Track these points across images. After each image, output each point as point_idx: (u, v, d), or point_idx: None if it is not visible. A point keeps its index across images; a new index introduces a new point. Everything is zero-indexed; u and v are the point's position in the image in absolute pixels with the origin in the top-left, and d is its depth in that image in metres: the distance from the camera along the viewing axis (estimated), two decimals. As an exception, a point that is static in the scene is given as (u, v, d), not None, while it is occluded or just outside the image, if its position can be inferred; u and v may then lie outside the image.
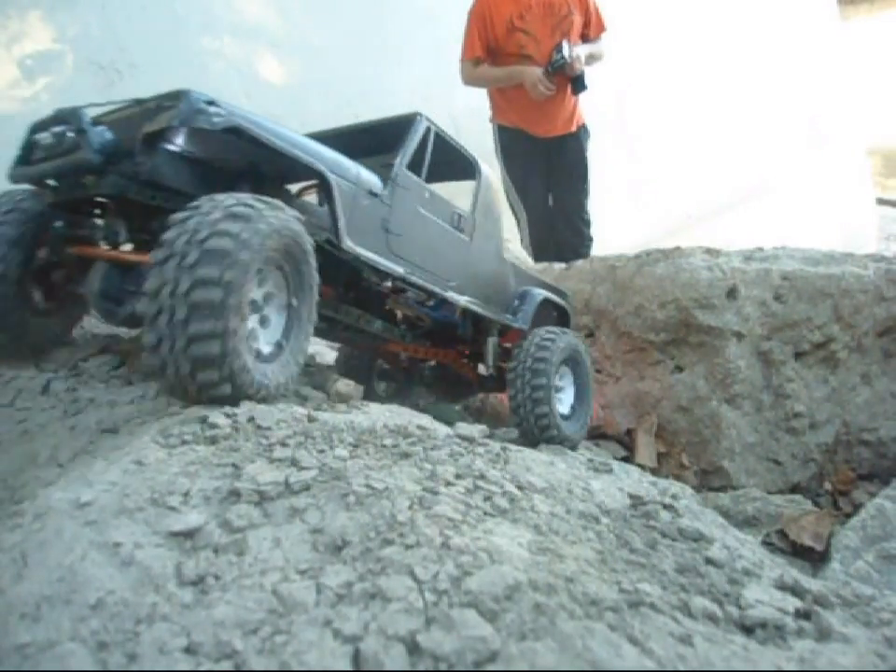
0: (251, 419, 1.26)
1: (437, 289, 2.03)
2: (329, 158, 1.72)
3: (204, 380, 1.23)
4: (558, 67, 3.45)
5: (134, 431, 1.23)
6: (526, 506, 1.13)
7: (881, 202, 10.82)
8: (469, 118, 4.25)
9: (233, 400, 1.29)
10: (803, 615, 0.92)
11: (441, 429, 1.59)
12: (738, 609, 0.91)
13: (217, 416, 1.23)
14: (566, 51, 3.42)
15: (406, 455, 1.25)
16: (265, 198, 1.38)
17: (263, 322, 1.44)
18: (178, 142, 1.57)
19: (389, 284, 1.96)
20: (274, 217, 1.34)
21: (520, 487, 1.23)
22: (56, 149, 1.58)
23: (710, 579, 0.99)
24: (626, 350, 3.04)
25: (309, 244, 1.46)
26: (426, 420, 1.66)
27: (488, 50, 3.66)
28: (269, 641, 0.71)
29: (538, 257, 3.92)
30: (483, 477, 1.20)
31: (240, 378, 1.28)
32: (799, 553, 1.99)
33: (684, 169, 6.76)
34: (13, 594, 0.76)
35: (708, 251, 3.05)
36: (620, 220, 5.47)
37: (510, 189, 3.94)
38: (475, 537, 0.92)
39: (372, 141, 2.09)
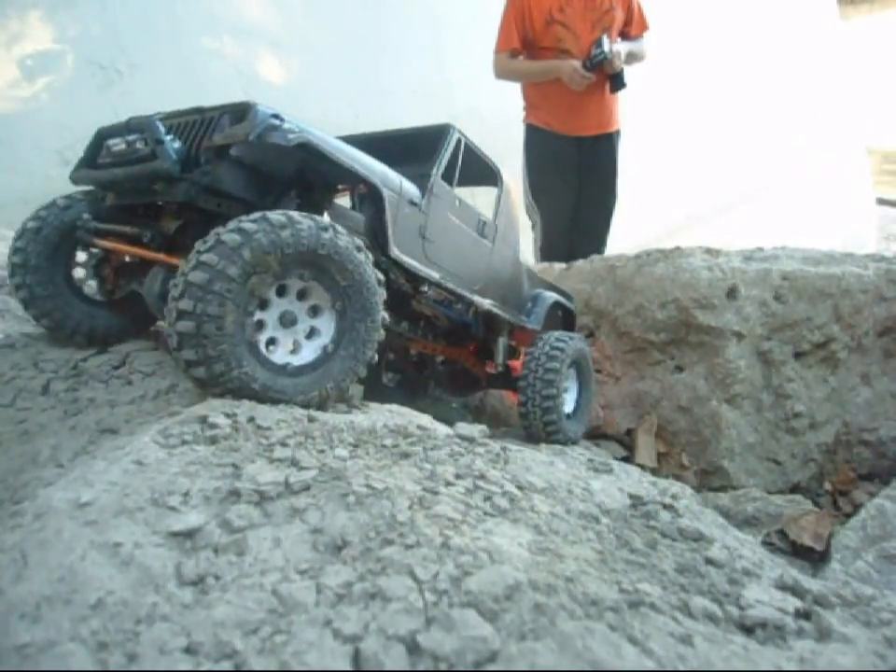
0: (251, 419, 1.26)
1: (466, 293, 2.14)
2: (378, 170, 1.80)
3: (201, 375, 1.31)
4: (597, 63, 3.34)
5: (134, 431, 1.23)
6: (526, 506, 1.13)
7: (881, 202, 10.82)
8: (469, 118, 4.25)
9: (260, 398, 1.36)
10: (803, 615, 0.92)
11: (441, 429, 1.59)
12: (738, 608, 0.91)
13: (217, 416, 1.23)
14: (606, 47, 3.31)
15: (406, 455, 1.25)
16: (286, 212, 1.41)
17: (307, 331, 1.50)
18: (243, 153, 1.63)
19: (426, 289, 2.06)
20: (281, 230, 1.36)
21: (520, 487, 1.23)
22: (128, 156, 1.67)
23: (710, 579, 0.99)
24: (626, 350, 3.04)
25: (345, 249, 1.47)
26: (426, 420, 1.66)
27: (524, 43, 3.52)
28: (269, 641, 0.71)
29: (552, 258, 3.75)
30: (482, 477, 1.20)
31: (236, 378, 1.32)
32: (799, 553, 1.99)
33: (684, 169, 6.75)
34: (13, 594, 0.76)
35: (708, 251, 3.05)
36: (620, 220, 5.46)
37: (527, 192, 3.82)
38: (475, 537, 0.92)
39: (404, 149, 2.16)
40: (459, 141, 2.15)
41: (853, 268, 3.06)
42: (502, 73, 3.63)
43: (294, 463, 1.10)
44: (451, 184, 2.07)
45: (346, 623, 0.73)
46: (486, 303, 2.26)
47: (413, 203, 1.89)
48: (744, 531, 1.74)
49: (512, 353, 2.54)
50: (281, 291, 1.45)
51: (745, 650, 0.79)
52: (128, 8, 3.54)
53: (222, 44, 3.89)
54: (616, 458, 2.43)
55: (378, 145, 2.19)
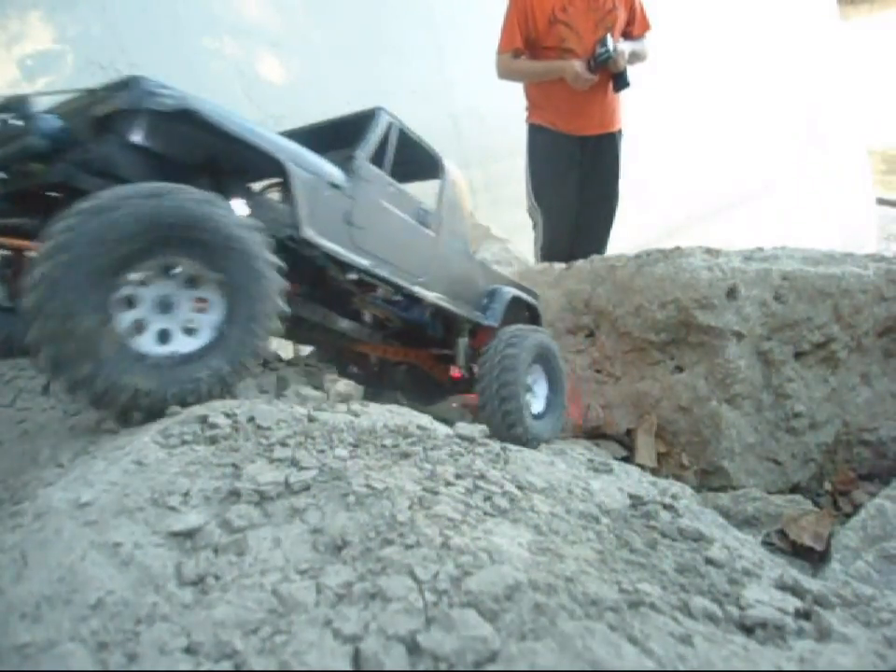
0: (251, 419, 1.26)
1: (403, 283, 2.00)
2: (289, 148, 1.69)
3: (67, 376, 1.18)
4: (602, 62, 3.33)
5: (134, 431, 1.23)
6: (526, 506, 1.13)
7: (881, 202, 10.82)
8: (469, 118, 4.26)
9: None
10: (803, 615, 0.92)
11: (441, 429, 1.59)
12: (738, 609, 0.91)
13: (217, 416, 1.23)
14: (610, 45, 3.29)
15: (406, 455, 1.25)
16: (156, 183, 1.28)
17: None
18: (133, 131, 1.52)
19: (354, 276, 1.92)
20: (140, 205, 1.22)
21: (520, 487, 1.23)
22: (1, 137, 1.49)
23: (710, 579, 0.99)
24: (626, 350, 3.04)
25: (226, 225, 1.34)
26: (426, 420, 1.66)
27: (527, 43, 3.51)
28: (269, 641, 0.71)
29: (554, 258, 3.71)
30: (482, 477, 1.20)
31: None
32: (799, 553, 1.99)
33: (684, 169, 6.75)
34: (13, 594, 0.76)
35: (708, 251, 3.05)
36: (620, 220, 5.47)
37: (529, 193, 3.80)
38: (475, 537, 0.92)
39: (336, 137, 2.08)
40: (390, 125, 2.04)
41: (853, 268, 3.06)
42: (505, 73, 3.61)
43: (294, 463, 1.10)
44: (383, 168, 1.96)
45: (346, 623, 0.73)
46: (431, 296, 2.12)
47: (334, 186, 1.77)
48: (744, 531, 1.74)
49: (477, 357, 2.35)
50: (152, 272, 1.30)
51: (745, 650, 0.79)
52: (128, 8, 3.54)
53: (222, 44, 3.90)
54: (616, 458, 2.43)
55: (311, 136, 2.12)
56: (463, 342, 2.40)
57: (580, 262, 3.36)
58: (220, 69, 3.85)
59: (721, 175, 7.10)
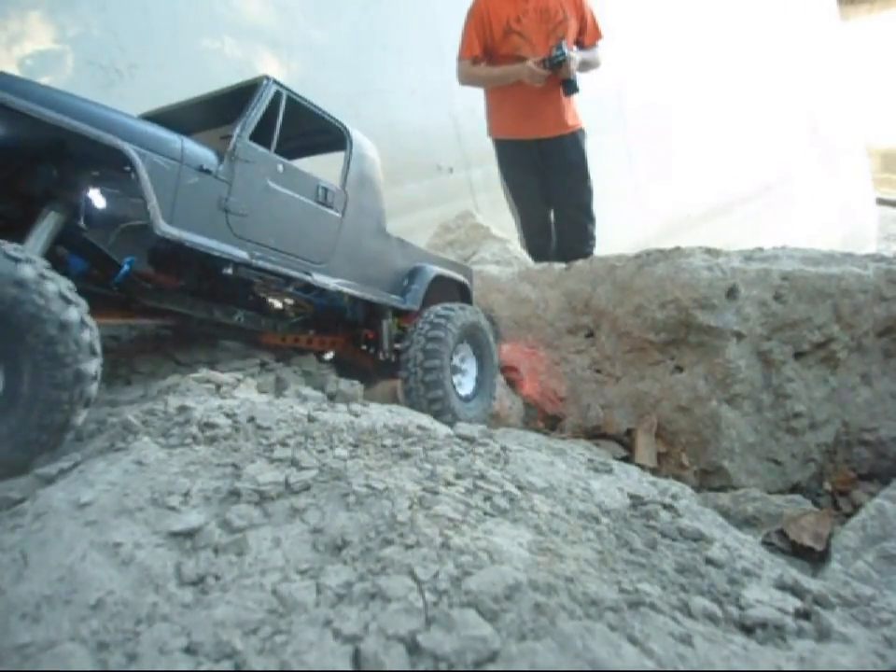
0: (251, 419, 1.26)
1: (294, 273, 1.85)
2: (136, 131, 1.51)
3: None
4: (556, 63, 3.49)
5: (135, 432, 1.22)
6: (526, 506, 1.13)
7: (881, 202, 10.82)
8: (469, 118, 4.26)
9: None
10: (803, 615, 0.92)
11: (441, 429, 1.59)
12: (738, 609, 0.91)
13: (218, 416, 1.23)
14: (565, 49, 3.47)
15: (406, 455, 1.25)
16: None
17: None
18: None
19: (229, 271, 1.74)
20: None
21: (520, 487, 1.22)
22: None
23: (710, 579, 0.99)
24: (626, 350, 3.03)
25: None
26: (426, 420, 1.66)
27: (485, 50, 3.71)
28: (269, 641, 0.71)
29: (536, 257, 3.94)
30: (483, 477, 1.20)
31: None
32: (799, 553, 1.99)
33: (684, 169, 6.76)
34: (13, 594, 0.76)
35: (708, 251, 3.05)
36: (620, 220, 5.47)
37: (507, 194, 4.04)
38: (475, 537, 0.92)
39: (219, 113, 1.94)
40: (278, 95, 1.86)
41: (853, 268, 3.06)
42: (466, 79, 3.82)
43: (294, 463, 1.10)
44: (269, 146, 1.79)
45: (346, 623, 0.73)
46: (333, 283, 1.97)
47: (204, 171, 1.61)
48: (744, 531, 1.73)
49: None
50: None
51: (745, 650, 0.79)
52: (128, 8, 3.54)
53: (222, 44, 3.89)
54: (616, 458, 2.43)
55: (190, 113, 2.01)
56: (387, 324, 2.28)
57: (580, 262, 3.36)
58: (220, 69, 3.85)
59: (721, 174, 7.09)
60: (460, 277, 2.59)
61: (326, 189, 1.96)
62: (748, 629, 0.86)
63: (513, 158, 3.91)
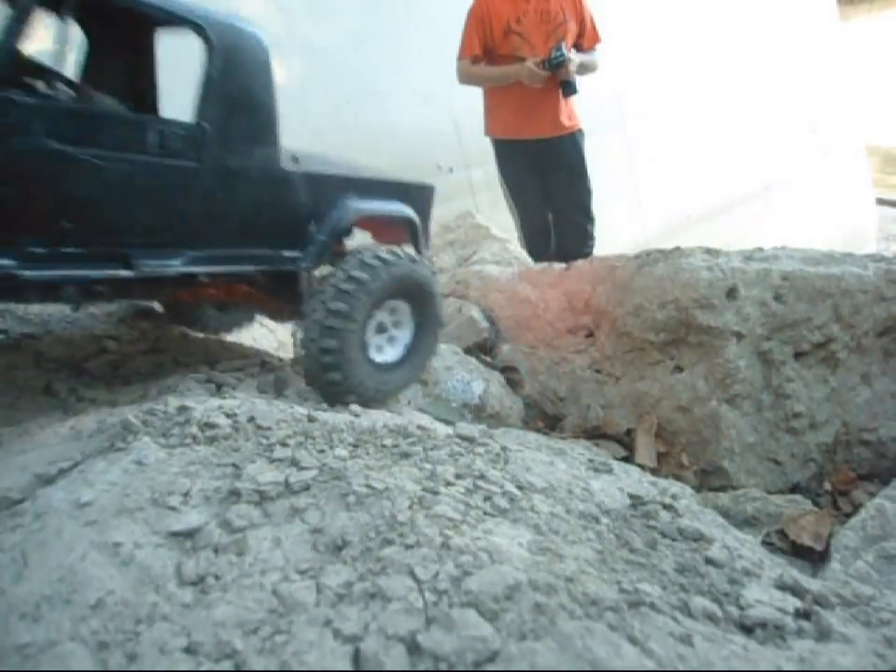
0: (251, 419, 1.26)
1: (95, 273, 1.36)
2: None
3: None
4: (556, 64, 3.50)
5: (135, 432, 1.22)
6: (526, 506, 1.13)
7: (881, 202, 10.81)
8: (469, 118, 4.25)
9: None
10: (803, 615, 0.92)
11: (441, 429, 1.59)
12: (738, 608, 0.91)
13: (218, 416, 1.23)
14: (565, 50, 3.49)
15: (406, 455, 1.25)
16: None
17: None
18: None
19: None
20: None
21: (520, 487, 1.22)
22: None
23: (710, 579, 0.99)
24: (626, 350, 3.03)
25: None
26: (426, 420, 1.66)
27: (484, 50, 3.73)
28: (269, 641, 0.71)
29: (536, 257, 3.95)
30: (483, 477, 1.20)
31: None
32: (799, 553, 1.99)
33: (684, 169, 6.76)
34: (13, 594, 0.76)
35: (708, 251, 3.05)
36: (620, 220, 5.47)
37: (506, 195, 4.05)
38: (475, 537, 0.92)
39: None
40: None
41: (853, 268, 3.06)
42: (465, 77, 3.82)
43: (294, 463, 1.10)
44: (53, 76, 1.30)
45: (346, 623, 0.73)
46: (173, 265, 1.46)
47: None
48: (744, 531, 1.74)
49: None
50: None
51: (745, 649, 0.79)
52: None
53: (222, 44, 3.89)
54: (616, 458, 2.43)
55: None
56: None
57: (579, 262, 3.36)
58: (220, 69, 3.85)
59: (720, 175, 7.10)
60: (402, 211, 1.94)
61: (164, 134, 1.40)
62: (748, 629, 0.86)
63: (512, 158, 3.92)
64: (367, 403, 1.69)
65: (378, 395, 1.76)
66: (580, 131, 3.94)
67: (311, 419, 1.34)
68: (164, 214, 1.47)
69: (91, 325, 2.15)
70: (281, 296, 1.88)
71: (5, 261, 1.19)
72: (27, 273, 1.22)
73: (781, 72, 8.00)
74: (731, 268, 2.86)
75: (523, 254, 3.99)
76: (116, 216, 1.38)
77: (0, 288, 1.31)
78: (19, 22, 1.20)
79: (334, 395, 1.68)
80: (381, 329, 1.82)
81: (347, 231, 1.84)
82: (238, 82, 1.55)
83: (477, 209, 4.72)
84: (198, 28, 1.47)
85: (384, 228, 1.94)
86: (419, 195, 2.06)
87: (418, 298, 1.85)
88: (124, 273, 1.39)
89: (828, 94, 8.79)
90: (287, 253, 1.71)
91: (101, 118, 1.35)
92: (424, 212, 2.06)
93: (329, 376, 1.64)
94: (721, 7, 7.42)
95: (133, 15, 1.54)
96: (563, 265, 3.44)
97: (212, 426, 1.20)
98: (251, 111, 1.59)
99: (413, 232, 2.01)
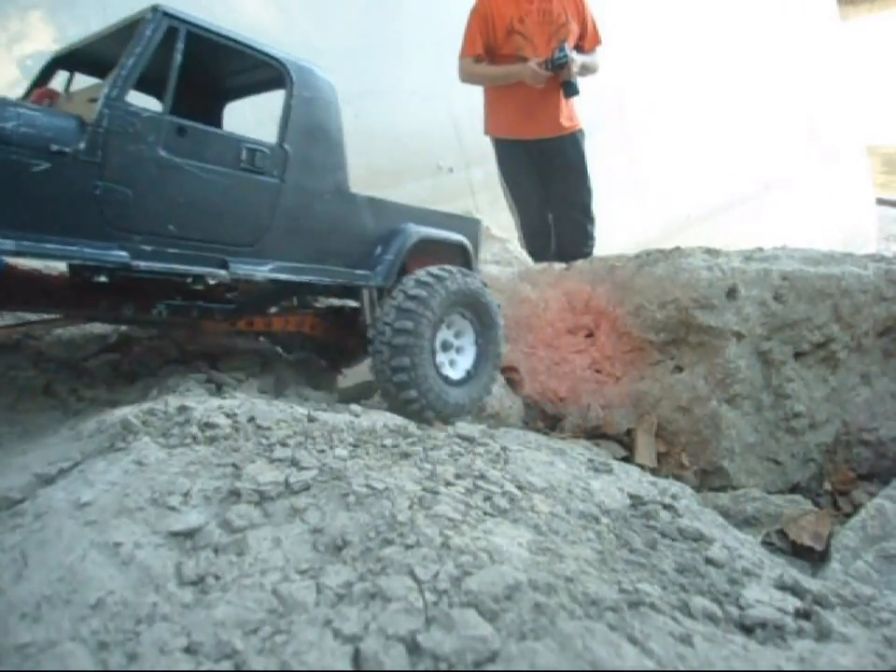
0: (251, 419, 1.26)
1: (197, 269, 1.50)
2: None
3: None
4: (559, 65, 3.51)
5: (135, 432, 1.22)
6: (526, 506, 1.13)
7: (881, 202, 10.81)
8: (469, 118, 4.25)
9: None
10: (803, 615, 0.92)
11: (441, 429, 1.59)
12: (738, 608, 0.91)
13: (218, 416, 1.23)
14: (567, 51, 3.50)
15: (406, 455, 1.25)
16: None
17: None
18: None
19: (104, 279, 1.45)
20: None
21: (520, 487, 1.22)
22: None
23: (710, 579, 0.99)
24: (626, 350, 3.03)
25: None
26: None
27: (487, 49, 3.73)
28: (269, 641, 0.71)
29: (536, 257, 3.95)
30: (483, 477, 1.20)
31: None
32: (799, 553, 1.99)
33: (684, 169, 6.75)
34: (13, 594, 0.76)
35: (708, 251, 3.05)
36: (620, 220, 5.47)
37: (507, 194, 4.05)
38: (475, 537, 0.92)
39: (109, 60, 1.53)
40: (173, 32, 1.48)
41: (853, 268, 3.06)
42: (467, 76, 3.82)
43: (294, 463, 1.10)
44: (165, 97, 1.44)
45: (346, 623, 0.73)
46: (262, 272, 1.61)
47: (55, 153, 1.25)
48: (744, 531, 1.74)
49: None
50: None
51: (745, 649, 0.79)
52: (128, 9, 3.54)
53: (222, 44, 3.90)
54: (616, 458, 2.43)
55: (85, 57, 1.70)
56: (369, 292, 1.94)
57: (579, 262, 3.36)
58: (220, 69, 3.85)
59: (721, 174, 7.09)
60: (456, 237, 2.14)
61: (253, 151, 1.59)
62: (748, 629, 0.86)
63: (513, 158, 3.92)
64: (447, 419, 1.77)
65: (457, 410, 1.80)
66: (580, 131, 3.95)
67: (311, 419, 1.34)
68: (253, 224, 1.62)
69: (92, 325, 2.15)
70: (346, 328, 2.07)
71: (122, 253, 1.36)
72: (141, 263, 1.38)
73: (781, 71, 7.99)
74: (731, 268, 2.86)
75: (523, 254, 3.99)
76: (213, 222, 1.54)
77: (106, 303, 1.51)
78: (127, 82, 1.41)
79: (413, 412, 1.72)
80: (446, 346, 1.89)
81: (415, 252, 1.98)
82: (313, 114, 1.77)
83: (477, 209, 4.72)
84: (281, 65, 1.73)
85: (437, 258, 2.05)
86: (468, 226, 2.31)
87: (475, 310, 1.95)
88: (221, 272, 1.54)
89: (828, 94, 8.78)
90: (358, 271, 1.86)
91: (203, 134, 1.52)
92: (473, 241, 2.30)
93: (405, 394, 1.69)
94: (722, 7, 7.41)
95: (210, 93, 1.82)
96: (563, 265, 3.44)
97: (212, 426, 1.20)
98: (324, 140, 1.80)
99: (465, 257, 2.20)
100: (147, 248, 1.40)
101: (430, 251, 2.04)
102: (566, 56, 3.48)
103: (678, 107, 6.75)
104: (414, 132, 4.59)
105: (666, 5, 6.81)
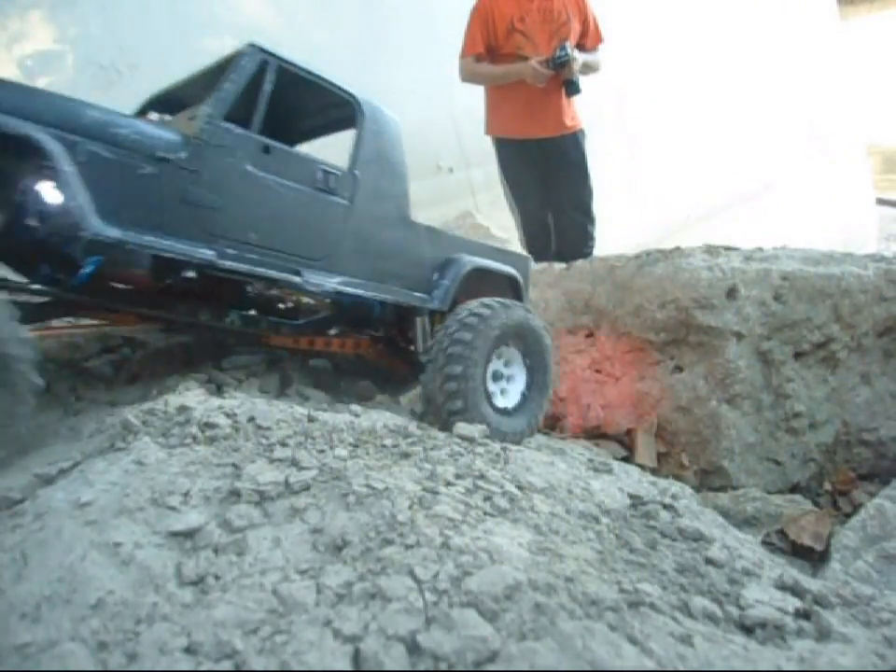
0: (251, 419, 1.26)
1: (275, 274, 1.62)
2: (69, 115, 1.33)
3: None
4: (560, 63, 3.50)
5: (135, 432, 1.22)
6: (526, 506, 1.13)
7: (881, 202, 10.81)
8: (469, 118, 4.26)
9: None
10: (803, 615, 0.92)
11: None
12: (738, 608, 0.91)
13: (218, 416, 1.23)
14: (569, 49, 3.48)
15: (406, 455, 1.25)
16: None
17: None
18: None
19: (192, 274, 1.54)
20: None
21: (520, 487, 1.22)
22: None
23: (710, 579, 0.99)
24: (626, 350, 3.03)
25: None
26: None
27: (488, 48, 3.72)
28: (269, 641, 0.71)
29: (536, 257, 3.95)
30: (483, 477, 1.20)
31: None
32: (799, 553, 1.99)
33: (684, 169, 6.75)
34: (13, 594, 0.76)
35: (708, 251, 3.05)
36: (620, 220, 5.47)
37: (507, 194, 4.04)
38: (475, 537, 0.92)
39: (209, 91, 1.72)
40: (264, 66, 1.66)
41: (853, 268, 3.06)
42: (468, 75, 3.81)
43: (294, 463, 1.10)
44: (252, 124, 1.60)
45: (346, 623, 0.73)
46: (331, 283, 1.73)
47: (159, 159, 1.41)
48: (744, 531, 1.74)
49: None
50: None
51: (745, 649, 0.79)
52: (128, 8, 3.54)
53: (222, 44, 3.89)
54: (616, 458, 2.43)
55: (193, 89, 1.85)
56: (422, 322, 2.02)
57: (579, 262, 3.36)
58: (220, 69, 3.85)
59: (721, 174, 7.09)
60: (508, 269, 2.24)
61: (328, 173, 1.74)
62: (748, 629, 0.86)
63: (513, 157, 3.91)
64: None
65: (507, 439, 1.81)
66: (581, 130, 3.93)
67: (311, 419, 1.34)
68: (324, 239, 1.75)
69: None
70: (398, 355, 2.18)
71: (209, 252, 1.50)
72: (225, 262, 1.52)
73: (781, 71, 7.99)
74: (731, 268, 2.86)
75: (523, 254, 4.00)
76: (289, 234, 1.67)
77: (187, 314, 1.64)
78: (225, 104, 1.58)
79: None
80: (497, 376, 1.94)
81: (468, 281, 2.08)
82: (380, 145, 1.93)
83: (477, 209, 4.72)
84: (354, 100, 1.92)
85: (489, 291, 2.12)
86: (518, 262, 2.42)
87: (526, 342, 1.99)
88: (296, 279, 1.67)
89: (828, 94, 8.78)
90: (417, 294, 1.99)
91: (284, 153, 1.69)
92: (523, 275, 2.39)
93: (456, 420, 1.70)
94: (722, 7, 7.41)
95: (287, 130, 1.97)
96: (563, 265, 3.44)
97: (212, 426, 1.20)
98: (389, 170, 1.95)
99: (515, 289, 2.31)
100: (231, 251, 1.54)
101: (482, 284, 2.13)
102: (567, 54, 3.47)
103: (678, 107, 6.75)
104: (414, 132, 4.59)
105: (667, 4, 6.81)
